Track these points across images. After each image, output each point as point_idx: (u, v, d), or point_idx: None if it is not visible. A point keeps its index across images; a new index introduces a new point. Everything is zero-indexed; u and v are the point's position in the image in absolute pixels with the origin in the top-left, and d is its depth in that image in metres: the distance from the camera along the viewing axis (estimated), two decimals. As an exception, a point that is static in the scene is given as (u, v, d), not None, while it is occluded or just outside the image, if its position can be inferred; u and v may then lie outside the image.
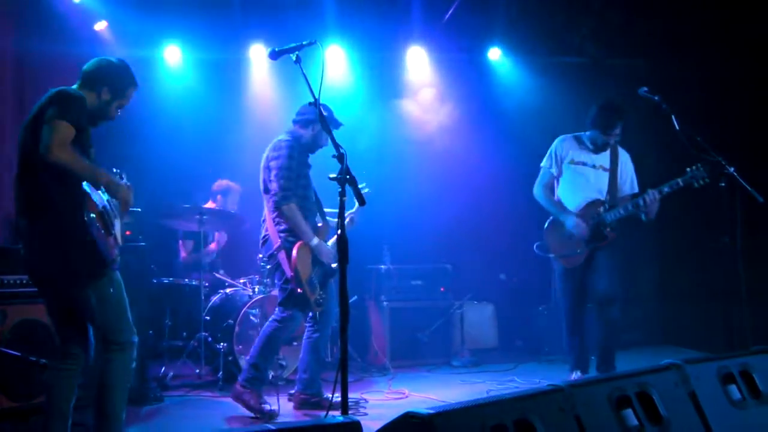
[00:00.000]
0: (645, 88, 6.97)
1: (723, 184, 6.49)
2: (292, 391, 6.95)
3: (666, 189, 6.99)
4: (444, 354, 9.42)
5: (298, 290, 6.51)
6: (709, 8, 9.24)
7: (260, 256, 7.70)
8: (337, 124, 6.79)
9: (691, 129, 6.61)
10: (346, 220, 7.16)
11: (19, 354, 5.82)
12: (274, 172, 6.62)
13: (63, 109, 4.52)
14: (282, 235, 6.63)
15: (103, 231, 4.63)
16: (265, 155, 6.81)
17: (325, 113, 6.73)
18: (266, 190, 6.75)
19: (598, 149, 7.41)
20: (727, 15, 9.17)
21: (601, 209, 7.26)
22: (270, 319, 6.75)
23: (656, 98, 6.87)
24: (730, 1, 9.14)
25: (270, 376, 7.70)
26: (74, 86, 4.86)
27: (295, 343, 7.74)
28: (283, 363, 7.78)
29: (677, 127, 6.61)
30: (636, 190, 7.45)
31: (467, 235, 10.82)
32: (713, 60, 9.55)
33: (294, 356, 7.66)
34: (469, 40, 10.92)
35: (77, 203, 4.53)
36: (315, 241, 6.63)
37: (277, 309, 6.78)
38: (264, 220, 6.87)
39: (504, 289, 10.96)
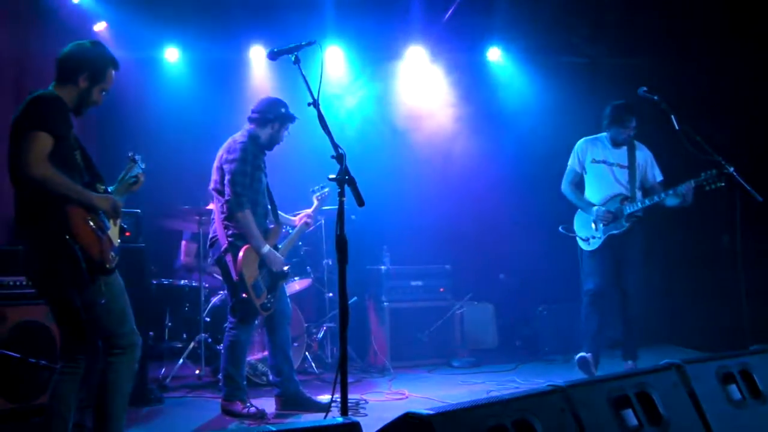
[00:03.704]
0: (644, 88, 7.02)
1: (722, 184, 6.50)
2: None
3: (681, 189, 7.34)
4: (444, 354, 9.40)
5: (243, 295, 6.47)
6: (709, 6, 9.24)
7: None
8: (293, 119, 6.78)
9: (690, 128, 6.60)
10: (301, 221, 7.17)
11: (18, 355, 5.82)
12: (227, 177, 6.50)
13: (37, 119, 4.43)
14: (230, 239, 6.55)
15: (93, 239, 4.57)
16: (218, 155, 6.69)
17: (283, 109, 6.75)
18: (218, 192, 6.64)
19: (617, 145, 7.87)
20: (727, 12, 9.17)
21: (625, 202, 7.72)
22: (226, 327, 6.75)
23: (656, 98, 6.89)
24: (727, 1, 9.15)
25: (264, 381, 7.72)
26: (51, 85, 4.75)
27: (295, 344, 7.74)
28: (262, 368, 7.82)
29: (677, 127, 6.61)
30: (660, 178, 7.92)
31: (467, 235, 10.82)
32: (713, 59, 9.55)
33: (295, 356, 7.69)
34: (468, 40, 10.93)
35: (59, 219, 4.41)
36: (265, 249, 6.55)
37: (228, 315, 6.79)
38: (213, 220, 6.84)
39: (504, 289, 10.97)
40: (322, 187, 7.27)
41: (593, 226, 7.83)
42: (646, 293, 8.20)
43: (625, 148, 7.87)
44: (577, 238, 8.01)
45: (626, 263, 7.78)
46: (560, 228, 8.20)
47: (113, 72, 4.94)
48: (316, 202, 7.29)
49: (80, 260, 4.42)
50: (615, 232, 7.71)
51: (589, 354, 7.76)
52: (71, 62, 4.78)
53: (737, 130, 9.16)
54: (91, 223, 4.56)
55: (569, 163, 8.10)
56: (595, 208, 7.79)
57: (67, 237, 4.39)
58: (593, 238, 7.85)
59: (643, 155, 7.92)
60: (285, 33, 9.00)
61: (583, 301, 7.96)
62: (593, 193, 7.95)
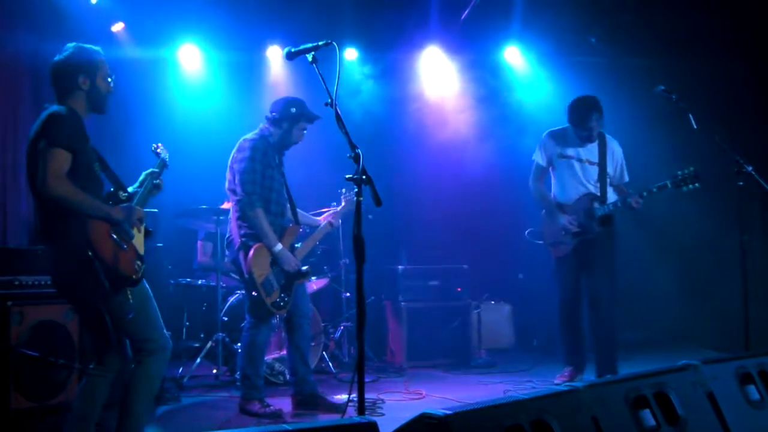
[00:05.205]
0: (661, 87, 6.95)
1: (741, 183, 6.46)
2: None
3: (654, 190, 7.10)
4: (461, 354, 9.40)
5: (253, 293, 6.47)
6: (725, 7, 9.21)
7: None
8: (313, 117, 6.75)
9: (708, 128, 6.58)
10: (323, 221, 7.16)
11: (37, 354, 5.85)
12: (237, 177, 6.51)
13: (53, 135, 4.43)
14: (243, 238, 6.54)
15: (116, 251, 4.57)
16: (231, 155, 6.70)
17: (293, 109, 6.71)
18: (232, 191, 6.64)
19: (584, 141, 7.55)
20: (743, 13, 9.14)
21: (595, 204, 7.41)
22: (244, 327, 6.75)
23: (673, 97, 6.84)
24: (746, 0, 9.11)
25: (281, 380, 7.73)
26: (55, 104, 4.67)
27: (313, 344, 7.74)
28: (279, 367, 7.84)
29: (694, 126, 6.58)
30: (626, 179, 7.63)
31: (484, 235, 10.80)
32: (728, 58, 9.51)
33: (313, 356, 7.71)
34: (485, 40, 10.91)
35: (80, 234, 4.42)
36: (278, 248, 6.51)
37: (246, 315, 6.78)
38: (230, 220, 6.85)
39: (521, 289, 10.94)
40: (351, 188, 7.14)
41: (562, 231, 7.54)
42: (615, 297, 7.70)
43: (596, 143, 7.56)
44: (546, 245, 7.78)
45: (595, 268, 7.42)
46: (526, 233, 8.07)
47: (102, 56, 4.92)
48: (344, 203, 7.26)
49: (102, 276, 4.43)
50: (586, 237, 7.43)
51: (567, 369, 7.62)
52: (63, 72, 4.75)
53: (756, 130, 9.13)
54: (114, 236, 4.57)
55: (534, 157, 7.83)
56: (563, 217, 7.49)
57: (90, 252, 4.40)
58: (562, 243, 7.55)
59: (616, 152, 7.62)
60: (302, 33, 9.02)
61: (558, 313, 7.74)
62: (561, 191, 7.68)
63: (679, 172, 6.93)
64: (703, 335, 9.86)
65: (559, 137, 7.70)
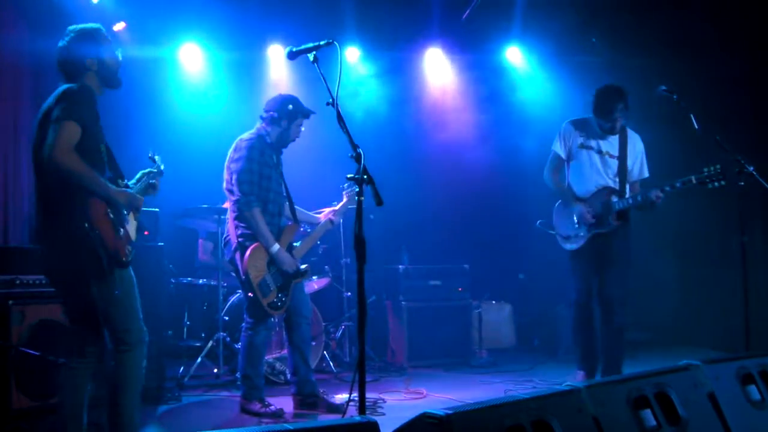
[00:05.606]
0: (663, 87, 6.91)
1: (742, 183, 6.43)
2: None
3: (678, 185, 6.84)
4: (462, 354, 9.41)
5: (249, 294, 6.47)
6: (725, 7, 9.21)
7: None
8: (308, 112, 6.76)
9: (710, 128, 6.57)
10: (324, 219, 7.15)
11: (37, 353, 5.85)
12: (234, 177, 6.49)
13: (69, 107, 4.47)
14: (240, 239, 6.52)
15: (111, 231, 4.60)
16: (228, 155, 6.68)
17: (290, 106, 6.71)
18: (229, 191, 6.61)
19: (606, 132, 7.27)
20: (743, 13, 9.14)
21: (613, 197, 7.15)
22: (242, 327, 6.74)
23: (675, 96, 6.82)
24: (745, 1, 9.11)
25: (282, 380, 7.74)
26: (68, 84, 4.73)
27: (314, 343, 7.74)
28: (280, 366, 7.84)
29: (696, 126, 6.56)
30: (645, 175, 7.38)
31: (485, 234, 10.81)
32: (727, 58, 9.51)
33: (314, 355, 7.71)
34: (487, 40, 10.92)
35: (79, 208, 4.46)
36: (275, 248, 6.48)
37: (244, 315, 6.77)
38: (227, 221, 6.84)
39: (522, 288, 10.95)
40: (352, 184, 7.09)
41: (576, 223, 7.28)
42: (627, 298, 7.44)
43: (617, 136, 7.28)
44: (557, 236, 7.51)
45: (609, 265, 7.15)
46: (537, 223, 7.76)
47: (105, 33, 4.95)
48: (345, 199, 7.24)
49: (99, 249, 4.46)
50: (601, 230, 7.16)
51: (580, 374, 7.32)
52: (70, 58, 4.81)
53: (756, 130, 9.12)
54: (111, 216, 4.60)
55: (553, 147, 7.50)
56: (577, 206, 7.24)
57: (86, 224, 4.43)
58: (576, 236, 7.29)
59: (637, 146, 7.35)
60: (304, 32, 9.02)
61: (572, 311, 7.47)
62: (577, 183, 7.37)
63: (705, 169, 6.67)
64: (703, 335, 9.85)
65: (580, 127, 7.41)
